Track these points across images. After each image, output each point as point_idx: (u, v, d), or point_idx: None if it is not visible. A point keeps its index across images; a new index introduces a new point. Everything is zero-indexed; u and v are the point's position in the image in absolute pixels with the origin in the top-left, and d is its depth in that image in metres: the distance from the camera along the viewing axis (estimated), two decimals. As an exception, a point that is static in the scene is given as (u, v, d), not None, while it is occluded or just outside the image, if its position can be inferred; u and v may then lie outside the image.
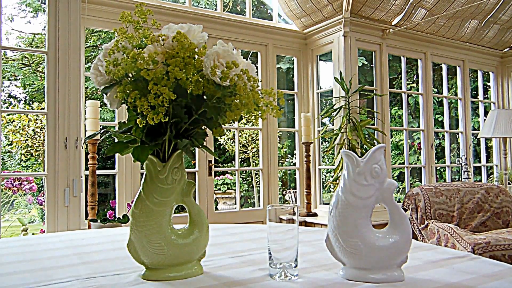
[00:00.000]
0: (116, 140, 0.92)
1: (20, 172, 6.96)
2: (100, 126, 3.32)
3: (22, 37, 8.98)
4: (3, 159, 7.52)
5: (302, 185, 4.16)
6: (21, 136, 5.48)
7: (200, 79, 0.88)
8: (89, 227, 2.83)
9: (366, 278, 0.86)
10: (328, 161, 6.31)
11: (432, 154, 4.53)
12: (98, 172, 2.99)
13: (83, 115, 3.02)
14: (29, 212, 6.78)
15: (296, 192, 4.34)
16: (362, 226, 0.86)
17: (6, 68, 8.25)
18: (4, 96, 8.40)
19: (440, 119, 7.46)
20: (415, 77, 8.57)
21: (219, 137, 5.42)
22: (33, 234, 3.40)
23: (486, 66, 5.20)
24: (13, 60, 8.42)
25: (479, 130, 5.14)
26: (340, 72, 3.86)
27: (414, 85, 8.49)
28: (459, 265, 0.98)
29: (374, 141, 3.77)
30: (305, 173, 3.99)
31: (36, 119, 5.49)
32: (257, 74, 2.29)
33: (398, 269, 0.87)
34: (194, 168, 3.66)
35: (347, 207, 0.87)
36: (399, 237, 0.87)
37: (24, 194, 5.37)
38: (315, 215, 3.93)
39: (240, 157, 6.90)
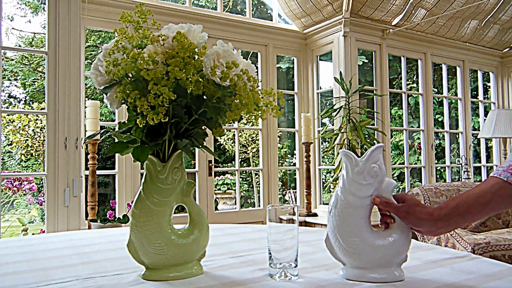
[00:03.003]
0: (116, 140, 0.92)
1: (20, 172, 6.96)
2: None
3: (22, 37, 8.97)
4: (3, 159, 7.52)
5: (302, 185, 4.15)
6: (21, 136, 5.48)
7: (200, 79, 0.88)
8: (89, 227, 2.83)
9: (366, 277, 0.86)
10: (328, 161, 6.31)
11: (432, 154, 4.53)
12: (98, 172, 2.99)
13: (83, 115, 3.02)
14: (29, 212, 6.79)
15: (296, 192, 4.34)
16: (361, 225, 0.87)
17: (6, 68, 8.24)
18: (4, 96, 8.40)
19: (440, 119, 7.45)
20: (415, 77, 8.57)
21: (219, 137, 5.42)
22: (33, 234, 3.40)
23: (486, 66, 5.20)
24: (13, 60, 8.42)
25: (479, 130, 5.14)
26: (340, 72, 3.86)
27: (414, 85, 8.48)
28: (459, 265, 0.98)
29: (374, 141, 3.77)
30: (305, 173, 3.99)
31: (36, 119, 5.49)
32: (257, 74, 2.29)
33: (398, 269, 0.87)
34: (194, 168, 3.66)
35: (346, 206, 0.87)
36: (398, 236, 0.87)
37: (24, 194, 5.38)
38: (315, 215, 3.93)
39: (240, 157, 6.89)
